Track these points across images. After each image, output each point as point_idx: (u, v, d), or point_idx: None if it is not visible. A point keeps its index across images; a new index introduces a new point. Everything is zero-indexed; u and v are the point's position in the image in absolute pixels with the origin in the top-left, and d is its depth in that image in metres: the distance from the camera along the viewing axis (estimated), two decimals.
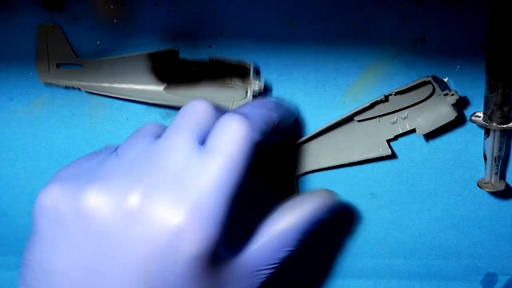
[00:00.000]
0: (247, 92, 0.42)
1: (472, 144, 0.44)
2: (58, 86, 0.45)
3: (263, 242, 0.36)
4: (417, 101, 0.41)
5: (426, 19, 0.41)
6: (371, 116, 0.42)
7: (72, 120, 0.46)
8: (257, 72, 0.43)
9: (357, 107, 0.42)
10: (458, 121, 0.43)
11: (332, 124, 0.43)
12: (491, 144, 0.42)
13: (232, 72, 0.43)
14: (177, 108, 0.43)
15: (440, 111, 0.41)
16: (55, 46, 0.44)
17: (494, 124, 0.41)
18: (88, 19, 0.43)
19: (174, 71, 0.43)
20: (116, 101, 0.45)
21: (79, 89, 0.45)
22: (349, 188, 0.46)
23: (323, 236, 0.47)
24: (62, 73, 0.45)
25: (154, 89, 0.44)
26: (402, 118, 0.42)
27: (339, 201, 0.40)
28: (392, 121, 0.42)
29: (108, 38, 0.44)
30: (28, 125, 0.47)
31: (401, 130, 0.42)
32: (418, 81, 0.40)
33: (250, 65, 0.42)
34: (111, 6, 0.43)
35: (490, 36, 0.39)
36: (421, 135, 0.42)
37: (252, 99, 0.42)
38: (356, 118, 0.43)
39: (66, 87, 0.45)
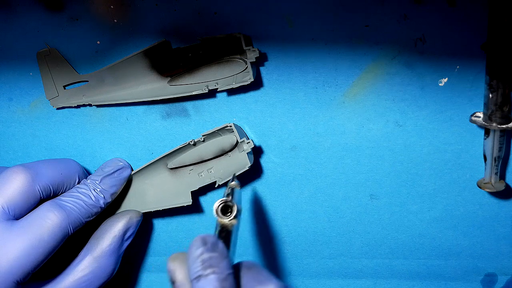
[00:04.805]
0: (246, 62, 0.42)
1: (472, 144, 0.44)
2: (70, 107, 0.46)
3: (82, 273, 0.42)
4: (222, 153, 0.44)
5: (426, 19, 0.41)
6: (183, 165, 0.45)
7: (72, 120, 0.46)
8: (249, 41, 0.43)
9: (167, 152, 0.44)
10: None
11: (144, 167, 0.45)
12: (491, 144, 0.42)
13: (226, 47, 0.43)
14: (184, 99, 0.44)
15: (238, 159, 0.44)
16: (57, 69, 0.44)
17: (494, 124, 0.41)
18: (88, 19, 0.43)
19: (172, 62, 0.43)
20: None
21: (91, 105, 0.45)
22: (349, 189, 0.46)
23: (321, 237, 0.48)
24: (70, 93, 0.45)
25: (159, 85, 0.44)
26: (208, 171, 0.45)
27: (141, 216, 0.45)
28: (199, 173, 0.45)
29: (108, 38, 0.44)
30: (28, 125, 0.47)
31: (204, 183, 0.44)
32: (222, 126, 0.43)
33: (240, 35, 0.42)
34: (111, 6, 0.43)
35: (490, 36, 0.39)
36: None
37: (252, 67, 0.42)
38: (169, 165, 0.45)
39: (78, 106, 0.45)
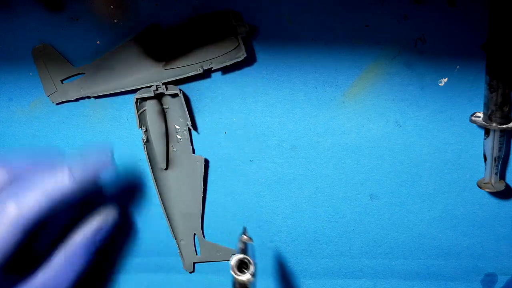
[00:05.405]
0: (238, 39, 0.42)
1: (472, 144, 0.44)
2: (70, 101, 0.45)
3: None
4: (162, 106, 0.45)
5: (426, 19, 0.41)
6: (164, 154, 0.46)
7: (72, 120, 0.46)
8: (239, 17, 0.43)
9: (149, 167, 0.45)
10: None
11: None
12: (491, 144, 0.42)
13: (217, 25, 0.42)
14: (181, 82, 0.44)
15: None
16: (53, 64, 0.44)
17: (494, 124, 0.41)
18: (88, 19, 0.43)
19: (165, 46, 0.43)
20: (116, 101, 0.45)
21: (89, 97, 0.45)
22: (349, 189, 0.46)
23: (321, 237, 0.48)
24: (68, 87, 0.45)
25: (154, 70, 0.44)
26: (176, 132, 0.46)
27: (116, 217, 0.41)
28: (179, 140, 0.46)
29: (108, 38, 0.44)
30: (28, 125, 0.47)
31: (184, 138, 0.46)
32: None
33: (228, 10, 0.42)
34: (111, 6, 0.43)
35: (490, 36, 0.39)
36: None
37: (242, 42, 0.42)
38: (160, 166, 0.46)
39: (77, 99, 0.45)
